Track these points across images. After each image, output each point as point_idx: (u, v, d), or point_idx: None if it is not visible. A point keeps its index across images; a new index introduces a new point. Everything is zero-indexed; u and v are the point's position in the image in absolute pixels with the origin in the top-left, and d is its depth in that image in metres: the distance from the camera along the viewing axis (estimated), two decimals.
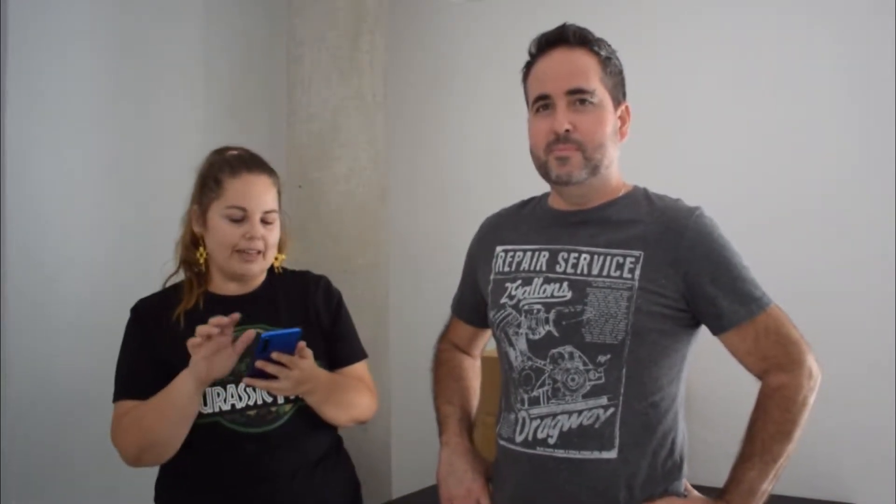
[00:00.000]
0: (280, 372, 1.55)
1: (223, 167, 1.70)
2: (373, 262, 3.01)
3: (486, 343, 1.80)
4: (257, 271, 1.72)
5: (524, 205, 1.66)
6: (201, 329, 1.53)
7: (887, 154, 2.61)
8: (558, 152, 1.46)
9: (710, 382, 2.36)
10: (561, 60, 1.49)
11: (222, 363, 1.55)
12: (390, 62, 3.20)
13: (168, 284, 1.80)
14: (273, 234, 1.71)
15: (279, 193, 1.75)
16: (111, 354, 2.84)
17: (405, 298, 3.40)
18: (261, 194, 1.68)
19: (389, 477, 3.09)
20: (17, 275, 2.51)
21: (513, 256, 1.56)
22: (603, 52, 1.49)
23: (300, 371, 1.57)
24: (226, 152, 1.75)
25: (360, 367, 1.84)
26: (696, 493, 1.49)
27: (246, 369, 1.60)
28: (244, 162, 1.70)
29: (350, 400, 1.74)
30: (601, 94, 1.47)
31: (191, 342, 1.55)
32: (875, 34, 2.64)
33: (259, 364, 1.53)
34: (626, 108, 1.53)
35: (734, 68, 2.87)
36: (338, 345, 1.80)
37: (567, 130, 1.45)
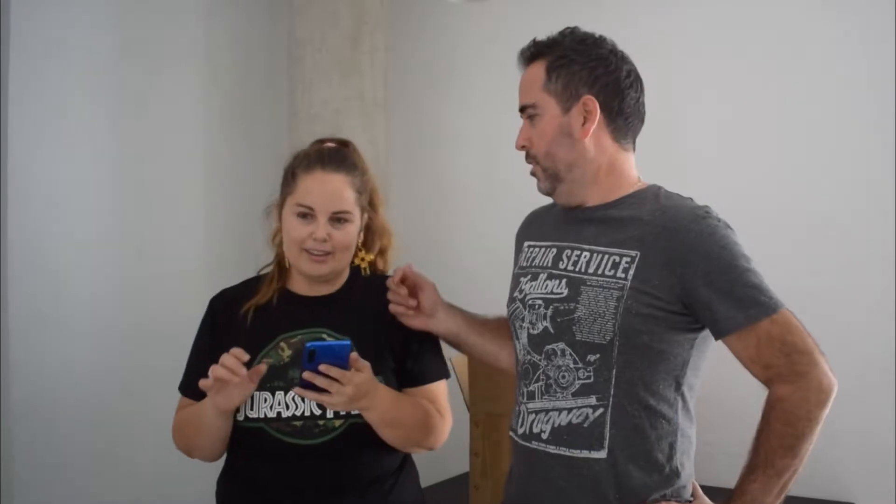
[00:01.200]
0: (331, 386, 1.44)
1: (301, 161, 1.62)
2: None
3: None
4: (326, 273, 1.62)
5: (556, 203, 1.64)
6: (216, 372, 1.46)
7: (888, 154, 2.61)
8: (532, 170, 1.53)
9: (709, 383, 2.36)
10: (520, 81, 1.54)
11: (240, 393, 1.50)
12: (390, 62, 3.20)
13: (262, 272, 1.72)
14: (345, 235, 1.60)
15: (361, 192, 1.64)
16: (114, 357, 2.87)
17: None
18: (331, 193, 1.58)
19: None
20: (21, 278, 2.52)
21: (531, 252, 1.58)
22: (551, 56, 1.48)
23: (354, 387, 1.44)
24: (319, 144, 1.68)
25: (434, 389, 1.67)
26: (705, 497, 1.47)
27: (298, 378, 1.52)
28: (321, 158, 1.62)
29: (414, 423, 1.60)
30: (542, 103, 1.47)
31: (202, 384, 1.48)
32: (876, 35, 2.64)
33: (307, 375, 1.42)
34: (590, 100, 1.45)
35: (735, 69, 2.87)
36: (410, 361, 1.65)
37: (523, 147, 1.51)
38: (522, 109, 1.50)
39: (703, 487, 1.51)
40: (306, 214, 1.58)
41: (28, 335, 2.53)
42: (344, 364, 1.44)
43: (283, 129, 3.14)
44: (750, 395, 1.46)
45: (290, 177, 1.62)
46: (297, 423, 1.55)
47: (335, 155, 1.64)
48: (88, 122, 2.74)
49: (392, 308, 1.65)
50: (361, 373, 1.46)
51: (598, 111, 1.46)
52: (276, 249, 1.69)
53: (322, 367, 1.41)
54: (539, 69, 1.48)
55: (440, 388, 1.68)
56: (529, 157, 1.51)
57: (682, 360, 1.43)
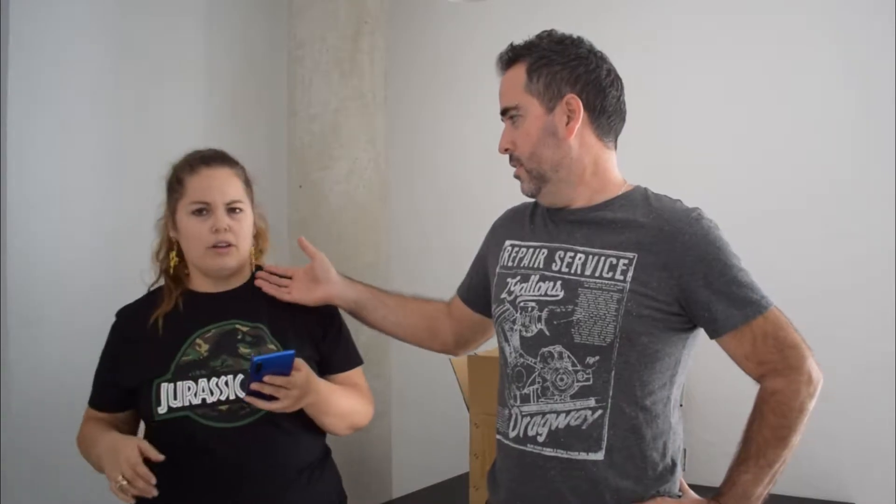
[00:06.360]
0: (278, 392, 1.52)
1: (183, 167, 1.71)
2: (373, 261, 3.01)
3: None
4: (233, 265, 1.69)
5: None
6: (131, 480, 1.47)
7: (887, 153, 2.61)
8: (515, 172, 1.54)
9: (709, 383, 2.36)
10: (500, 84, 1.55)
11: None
12: (390, 62, 3.20)
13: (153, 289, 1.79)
14: (242, 225, 1.69)
15: (248, 185, 1.75)
16: None
17: None
18: (222, 186, 1.68)
19: (390, 476, 3.09)
20: (20, 278, 2.51)
21: (517, 252, 1.57)
22: (530, 57, 1.49)
23: (298, 389, 1.54)
24: (194, 152, 1.77)
25: (355, 374, 1.80)
26: (692, 492, 1.49)
27: (221, 365, 1.60)
28: (202, 158, 1.71)
29: (348, 408, 1.72)
30: (524, 104, 1.48)
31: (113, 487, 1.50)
32: (874, 35, 2.64)
33: (255, 387, 1.50)
34: (574, 99, 1.46)
35: (731, 68, 2.87)
36: (330, 350, 1.76)
37: (507, 150, 1.52)
38: (504, 112, 1.52)
39: (701, 487, 1.52)
40: (202, 210, 1.65)
41: (27, 336, 2.53)
42: (287, 372, 1.52)
43: (283, 129, 3.14)
44: (749, 396, 1.47)
45: (175, 183, 1.71)
46: (223, 408, 1.59)
47: (216, 153, 1.74)
48: (88, 121, 2.74)
49: (267, 288, 1.73)
50: (300, 372, 1.54)
51: (582, 109, 1.47)
52: (162, 265, 1.76)
53: (267, 379, 1.49)
54: (519, 71, 1.50)
55: (359, 373, 1.81)
56: (513, 160, 1.53)
57: (676, 359, 1.46)
